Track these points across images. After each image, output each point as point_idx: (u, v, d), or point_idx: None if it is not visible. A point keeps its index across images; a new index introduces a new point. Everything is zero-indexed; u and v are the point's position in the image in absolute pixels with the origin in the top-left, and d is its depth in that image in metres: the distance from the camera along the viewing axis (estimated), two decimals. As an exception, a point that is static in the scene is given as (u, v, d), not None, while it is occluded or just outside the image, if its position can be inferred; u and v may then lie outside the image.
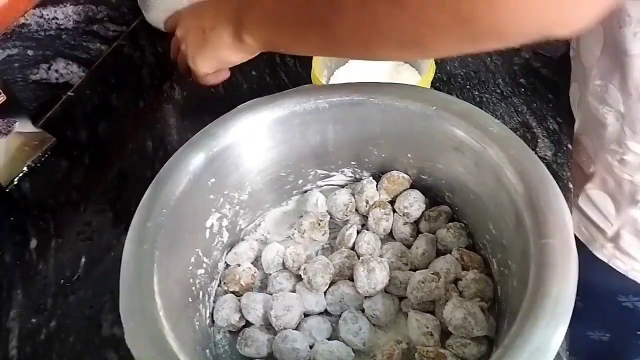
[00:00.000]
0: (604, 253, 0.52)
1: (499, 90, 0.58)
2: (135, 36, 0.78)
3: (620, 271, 0.51)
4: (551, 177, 0.33)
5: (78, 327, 0.47)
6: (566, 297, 0.28)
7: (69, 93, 0.70)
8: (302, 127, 0.45)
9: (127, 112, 0.66)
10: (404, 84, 0.44)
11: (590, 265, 0.53)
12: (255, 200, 0.48)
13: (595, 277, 0.54)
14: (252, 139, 0.44)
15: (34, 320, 0.48)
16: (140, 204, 0.38)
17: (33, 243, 0.54)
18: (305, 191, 0.51)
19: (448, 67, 0.63)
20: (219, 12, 0.41)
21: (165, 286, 0.35)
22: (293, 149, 0.46)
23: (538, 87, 0.58)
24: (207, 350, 0.41)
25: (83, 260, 0.52)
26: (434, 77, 0.54)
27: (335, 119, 0.44)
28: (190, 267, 0.41)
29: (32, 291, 0.50)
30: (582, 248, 0.52)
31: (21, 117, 0.61)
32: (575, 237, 0.53)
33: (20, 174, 0.61)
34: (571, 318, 0.66)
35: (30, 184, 0.60)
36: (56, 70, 0.69)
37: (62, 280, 0.50)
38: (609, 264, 0.52)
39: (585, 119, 0.49)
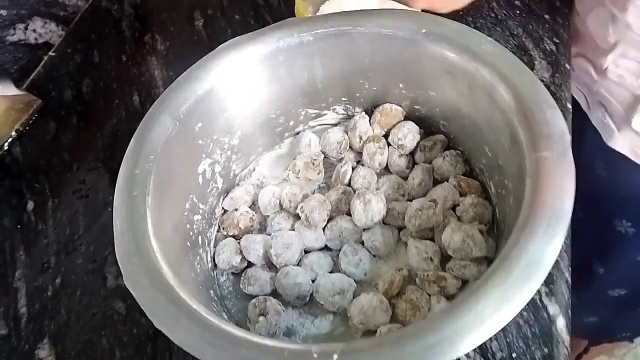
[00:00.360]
0: None
1: (493, 14, 0.56)
2: (113, -11, 0.75)
3: None
4: (545, 90, 0.32)
5: (83, 281, 0.47)
6: (562, 208, 0.28)
7: (50, 53, 0.68)
8: (287, 63, 0.43)
9: (110, 68, 0.64)
10: (390, 9, 0.42)
11: None
12: (247, 144, 0.47)
13: None
14: (237, 79, 0.42)
15: (39, 278, 0.49)
16: (126, 152, 0.37)
17: (30, 205, 0.54)
18: (298, 133, 0.50)
19: (438, -5, 0.60)
20: None
21: (160, 230, 0.35)
22: (281, 89, 0.45)
23: (533, 8, 0.56)
24: (211, 291, 0.41)
25: (81, 217, 0.52)
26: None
27: (321, 53, 0.43)
28: (186, 213, 0.41)
29: (35, 251, 0.50)
30: None
31: (3, 81, 0.60)
32: (631, 160, 0.51)
33: (10, 139, 0.60)
34: (622, 243, 0.61)
35: (21, 147, 0.59)
36: (34, 30, 0.67)
37: (63, 239, 0.51)
38: None
39: (627, 40, 0.47)
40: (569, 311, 0.37)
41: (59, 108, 0.62)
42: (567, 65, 0.50)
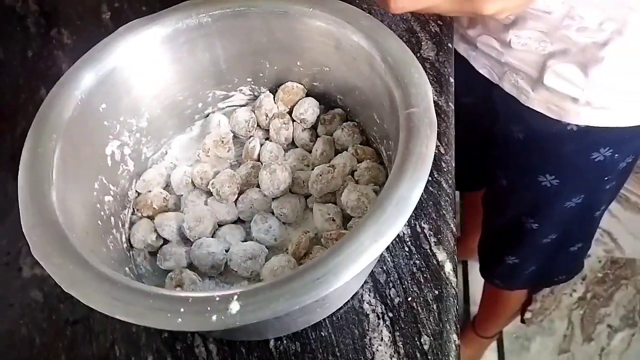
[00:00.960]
0: (581, 118, 0.55)
1: (386, 2, 0.61)
2: (15, -14, 0.73)
3: (599, 126, 0.55)
4: (412, 54, 0.37)
5: (-3, 275, 0.47)
6: (426, 154, 0.32)
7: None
8: (188, 45, 0.45)
9: (16, 65, 0.63)
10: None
11: (564, 139, 0.57)
12: (156, 127, 0.48)
13: (570, 146, 0.58)
14: (138, 61, 0.43)
15: (-52, 278, 0.47)
16: (29, 132, 0.38)
17: None
18: (208, 115, 0.52)
19: (338, -14, 0.64)
20: None
21: (65, 205, 0.36)
22: (185, 70, 0.47)
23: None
24: (127, 269, 0.42)
25: (-10, 213, 0.51)
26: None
27: (220, 33, 0.45)
28: (95, 193, 0.42)
29: (-60, 251, 0.49)
30: (555, 124, 0.56)
31: None
32: (546, 116, 0.56)
33: None
34: (549, 196, 0.65)
35: None
36: None
37: (-29, 236, 0.49)
38: (588, 125, 0.55)
39: (524, 14, 0.52)
40: (455, 257, 0.42)
41: (-39, 107, 0.60)
42: (449, 45, 0.55)
